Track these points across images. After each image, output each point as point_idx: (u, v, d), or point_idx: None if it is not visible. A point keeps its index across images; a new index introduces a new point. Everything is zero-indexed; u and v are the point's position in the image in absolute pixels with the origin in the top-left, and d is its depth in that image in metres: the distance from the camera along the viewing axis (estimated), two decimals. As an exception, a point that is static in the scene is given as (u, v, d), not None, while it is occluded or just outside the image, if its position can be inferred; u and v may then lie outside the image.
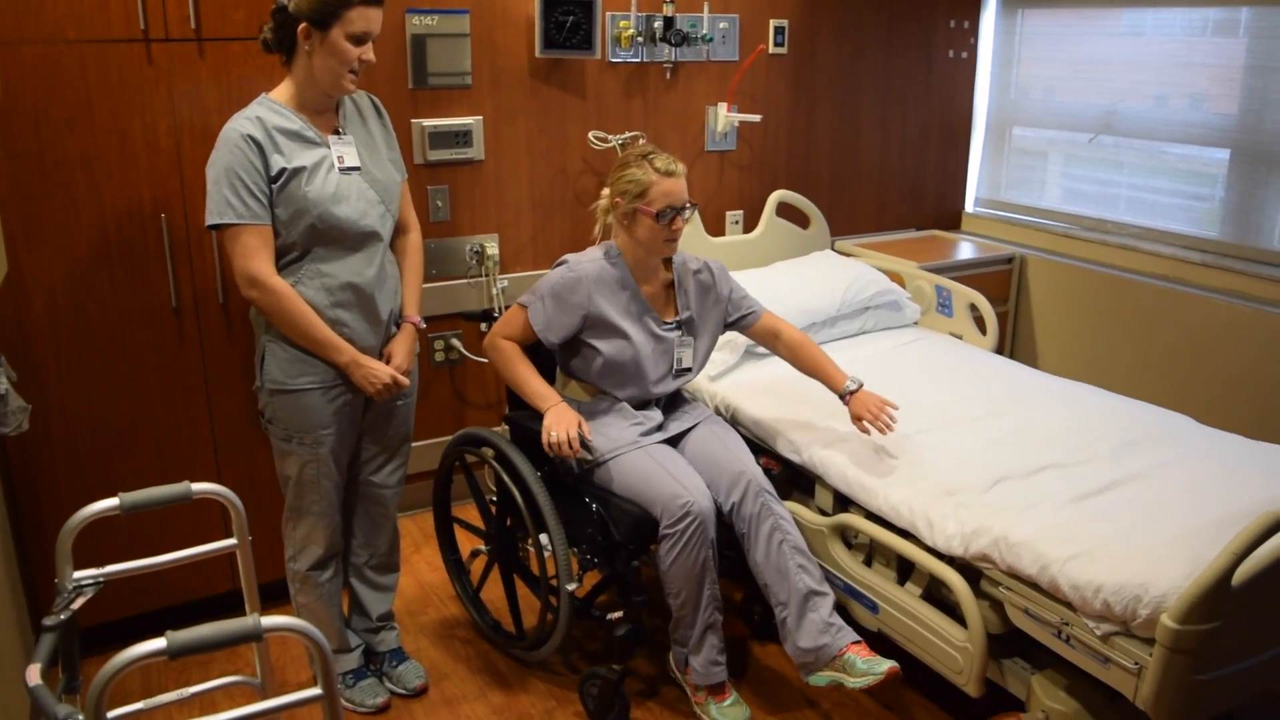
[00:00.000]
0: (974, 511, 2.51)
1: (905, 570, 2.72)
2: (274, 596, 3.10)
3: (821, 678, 2.59)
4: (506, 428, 3.00)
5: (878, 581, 2.72)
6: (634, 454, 2.74)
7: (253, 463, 3.10)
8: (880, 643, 2.77)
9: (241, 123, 2.40)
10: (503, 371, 2.85)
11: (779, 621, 2.67)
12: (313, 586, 2.75)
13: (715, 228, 4.22)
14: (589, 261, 2.80)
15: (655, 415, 2.88)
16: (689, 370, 2.92)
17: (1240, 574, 1.99)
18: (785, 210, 4.25)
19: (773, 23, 4.14)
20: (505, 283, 3.77)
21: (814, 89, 4.34)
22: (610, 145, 3.86)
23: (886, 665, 2.48)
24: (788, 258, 4.15)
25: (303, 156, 2.45)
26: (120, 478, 2.87)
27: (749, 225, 4.28)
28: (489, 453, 2.93)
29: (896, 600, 2.66)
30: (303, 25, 2.37)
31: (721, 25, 4.00)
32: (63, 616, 1.83)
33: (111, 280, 2.80)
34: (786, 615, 2.65)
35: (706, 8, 3.95)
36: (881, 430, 2.74)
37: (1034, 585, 2.33)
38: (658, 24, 3.84)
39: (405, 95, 3.47)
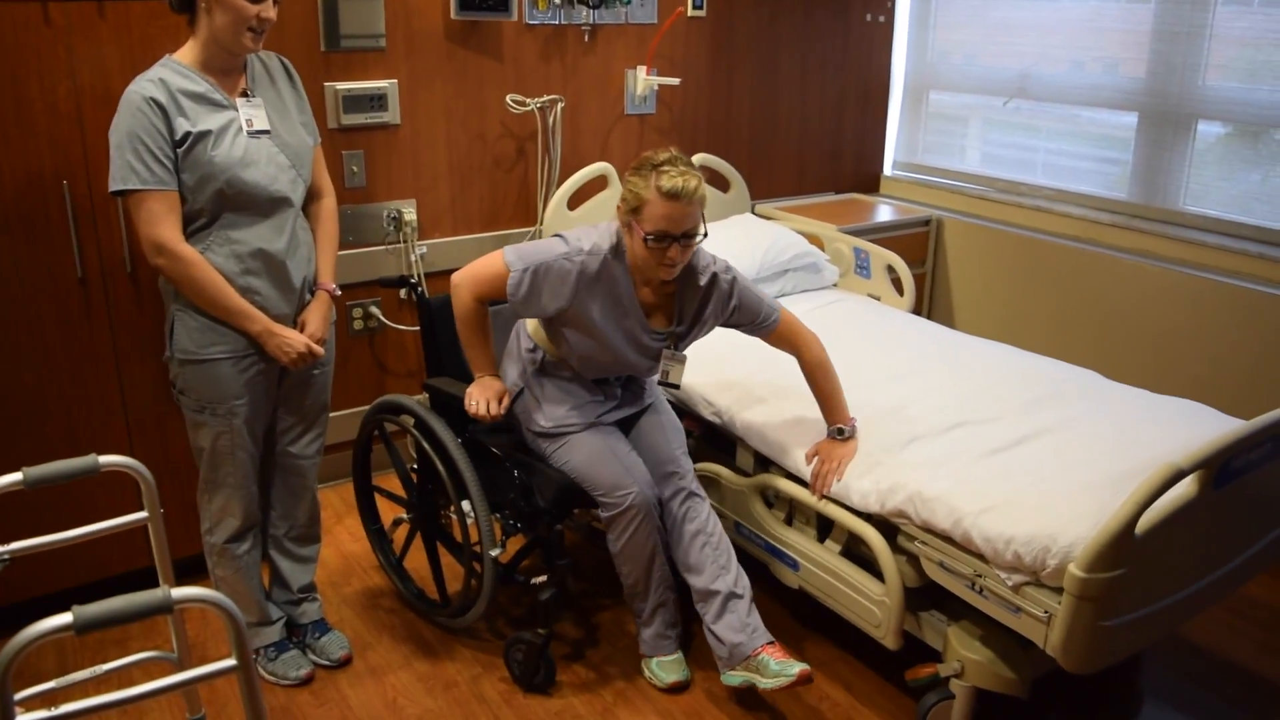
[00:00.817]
0: (889, 469, 2.56)
1: (825, 528, 2.76)
2: (191, 571, 3.05)
3: (735, 677, 2.62)
4: (426, 395, 2.98)
5: (798, 540, 2.76)
6: (584, 435, 2.71)
7: (166, 435, 3.04)
8: (801, 600, 2.82)
9: (143, 85, 2.33)
10: (459, 323, 2.69)
11: (700, 614, 2.71)
12: (230, 559, 2.71)
13: (636, 192, 4.20)
14: (590, 254, 2.56)
15: (614, 393, 2.84)
16: (676, 386, 2.76)
17: (1143, 523, 2.05)
18: (705, 174, 4.22)
19: (691, -15, 4.13)
20: (424, 249, 3.73)
21: (733, 52, 4.34)
22: (529, 109, 3.82)
23: (798, 668, 2.50)
24: (708, 221, 4.12)
25: (209, 119, 2.39)
26: (28, 453, 2.79)
27: (670, 189, 4.27)
28: (409, 421, 2.90)
29: (816, 557, 2.70)
30: None
31: (639, -13, 3.98)
32: (-34, 595, 1.78)
33: (12, 251, 2.71)
34: (706, 612, 2.69)
35: (624, -30, 3.92)
36: (818, 486, 2.66)
37: (948, 539, 2.38)
38: (575, -14, 3.81)
39: (318, 58, 3.39)
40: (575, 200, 3.90)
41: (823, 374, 2.74)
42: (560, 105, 3.89)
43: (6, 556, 1.88)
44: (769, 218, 4.37)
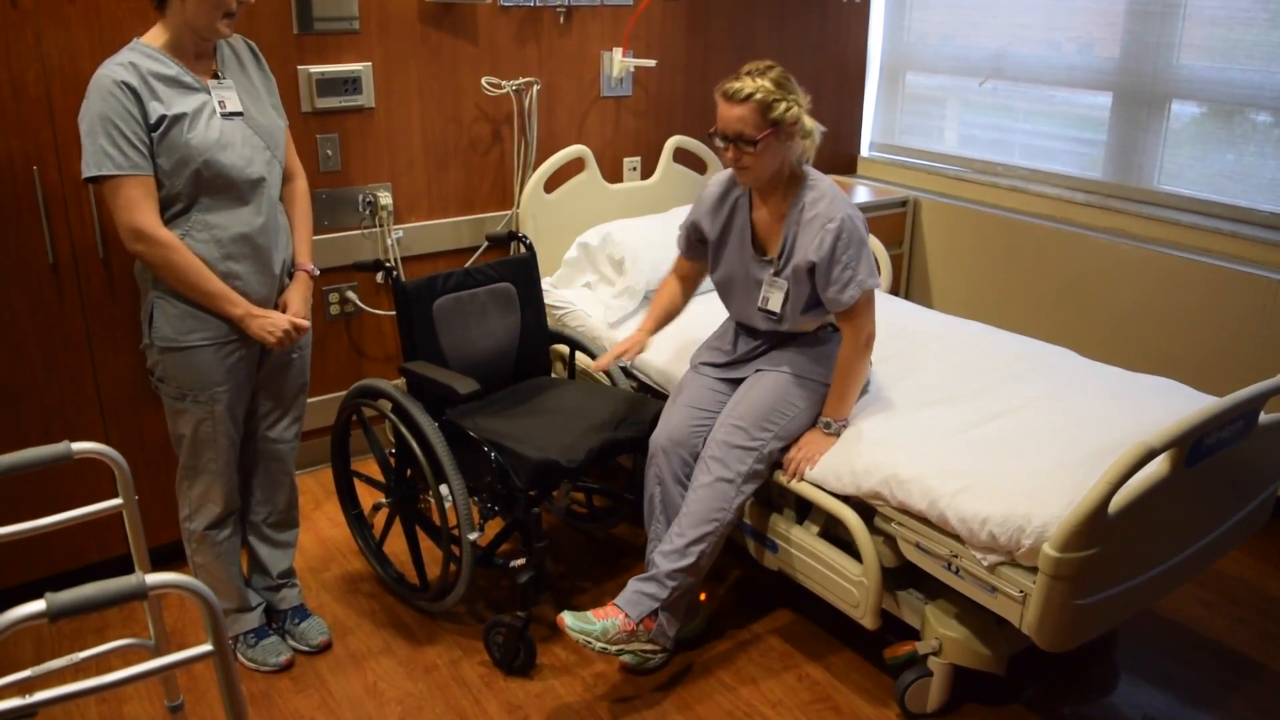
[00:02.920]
0: (864, 450, 2.57)
1: (803, 510, 2.78)
2: (168, 559, 3.04)
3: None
4: (403, 379, 2.97)
5: (776, 521, 2.78)
6: (686, 374, 2.93)
7: (140, 422, 3.02)
8: (780, 581, 2.84)
9: (114, 69, 2.29)
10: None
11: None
12: (210, 546, 2.70)
13: (613, 174, 4.20)
14: (724, 177, 2.81)
15: (740, 349, 2.87)
16: (775, 315, 2.75)
17: (1116, 502, 2.07)
18: (682, 156, 4.25)
19: (667, -34, 4.11)
20: (400, 233, 3.71)
21: (709, 34, 4.32)
22: (504, 91, 3.80)
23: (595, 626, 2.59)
24: (686, 204, 4.13)
25: (182, 103, 2.35)
26: (1, 441, 2.77)
27: (646, 172, 4.27)
28: (386, 405, 2.90)
29: (795, 539, 2.72)
30: None
31: (615, -31, 3.96)
32: (-61, 585, 1.77)
33: (-17, 236, 2.69)
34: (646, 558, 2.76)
35: (599, -49, 3.90)
36: (789, 470, 2.68)
37: (924, 520, 2.40)
38: (550, -33, 3.79)
39: (290, 41, 3.36)
40: (552, 183, 3.88)
41: (842, 369, 2.69)
42: (536, 88, 3.87)
43: (-21, 545, 1.87)
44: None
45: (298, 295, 2.64)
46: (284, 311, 2.60)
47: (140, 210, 2.33)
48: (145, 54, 2.35)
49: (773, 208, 2.73)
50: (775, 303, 2.73)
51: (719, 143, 2.60)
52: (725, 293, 2.87)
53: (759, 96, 2.52)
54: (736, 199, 2.77)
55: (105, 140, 2.28)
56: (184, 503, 2.70)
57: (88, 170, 2.31)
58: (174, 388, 2.53)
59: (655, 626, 2.66)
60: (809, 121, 2.65)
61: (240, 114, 2.46)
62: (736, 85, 2.53)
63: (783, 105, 2.54)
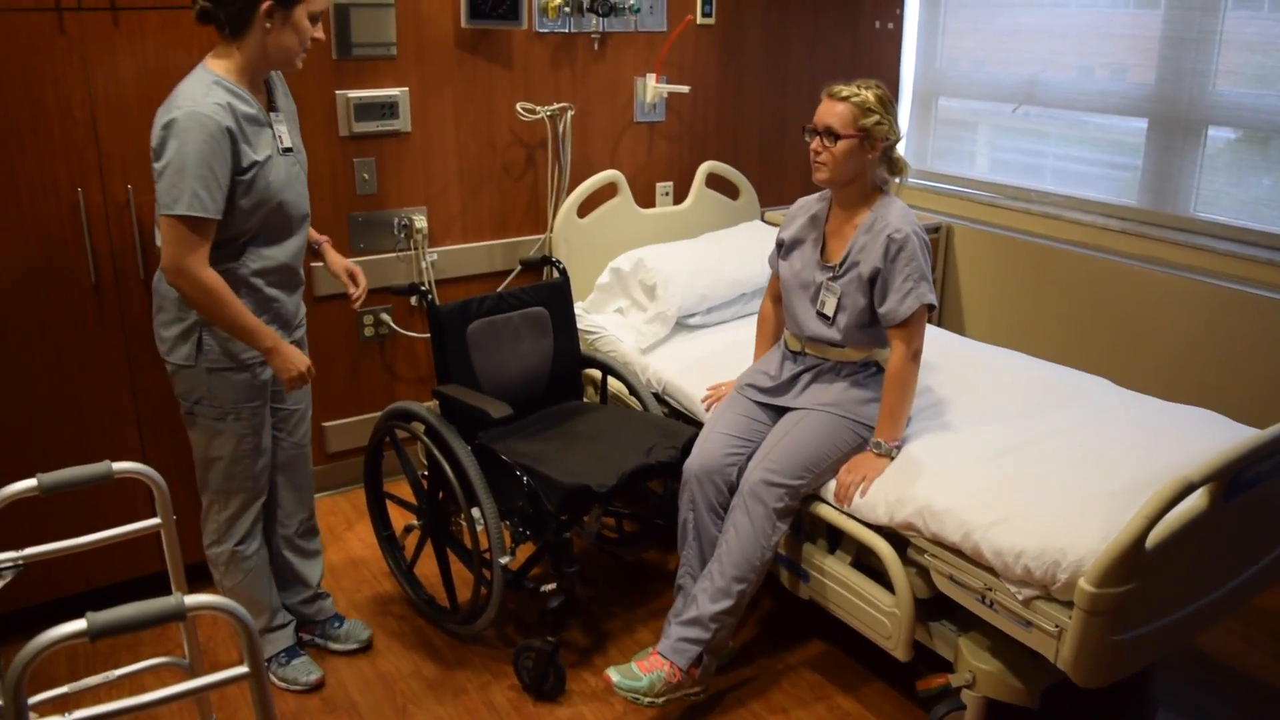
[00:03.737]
0: (898, 480, 2.55)
1: (835, 539, 2.76)
2: (203, 577, 3.05)
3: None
4: (436, 402, 2.99)
5: (808, 551, 2.76)
6: (729, 397, 2.95)
7: (177, 441, 3.03)
8: (812, 611, 2.82)
9: (215, 110, 2.28)
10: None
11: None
12: (239, 564, 2.72)
13: (645, 199, 4.21)
14: (814, 196, 2.94)
15: (784, 373, 2.86)
16: (829, 319, 2.77)
17: (1153, 537, 2.04)
18: (715, 181, 4.26)
19: (701, -7, 4.14)
20: (434, 256, 3.74)
21: (742, 59, 4.34)
22: (539, 116, 3.83)
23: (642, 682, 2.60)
24: (718, 228, 4.16)
25: (262, 144, 2.40)
26: (41, 458, 2.80)
27: (679, 196, 4.29)
28: (419, 427, 2.91)
29: (827, 569, 2.70)
30: (266, 3, 2.29)
31: (650, -5, 3.99)
32: (-19, 601, 1.79)
33: (27, 257, 2.72)
34: (681, 600, 2.75)
35: (635, -23, 3.93)
36: (838, 495, 2.65)
37: (958, 552, 2.38)
38: (585, -6, 3.82)
39: (329, 66, 3.41)
40: (585, 208, 3.90)
41: (892, 386, 2.68)
42: (570, 113, 3.90)
43: (21, 562, 1.89)
44: (778, 224, 4.36)
45: (340, 260, 2.81)
46: (351, 276, 2.78)
47: (195, 253, 2.31)
48: (229, 90, 2.34)
49: (847, 219, 2.80)
50: (830, 306, 2.77)
51: (807, 136, 2.75)
52: (786, 296, 2.91)
53: (857, 100, 2.67)
54: (819, 212, 2.88)
55: (198, 182, 2.25)
56: (211, 529, 2.71)
57: (176, 208, 2.26)
58: (216, 408, 2.54)
59: (700, 671, 2.66)
60: (899, 154, 2.76)
61: (291, 149, 2.51)
62: (842, 87, 2.70)
63: (875, 118, 2.67)
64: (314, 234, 2.76)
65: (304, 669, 2.83)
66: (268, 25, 2.32)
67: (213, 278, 2.35)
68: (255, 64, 2.38)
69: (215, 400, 2.54)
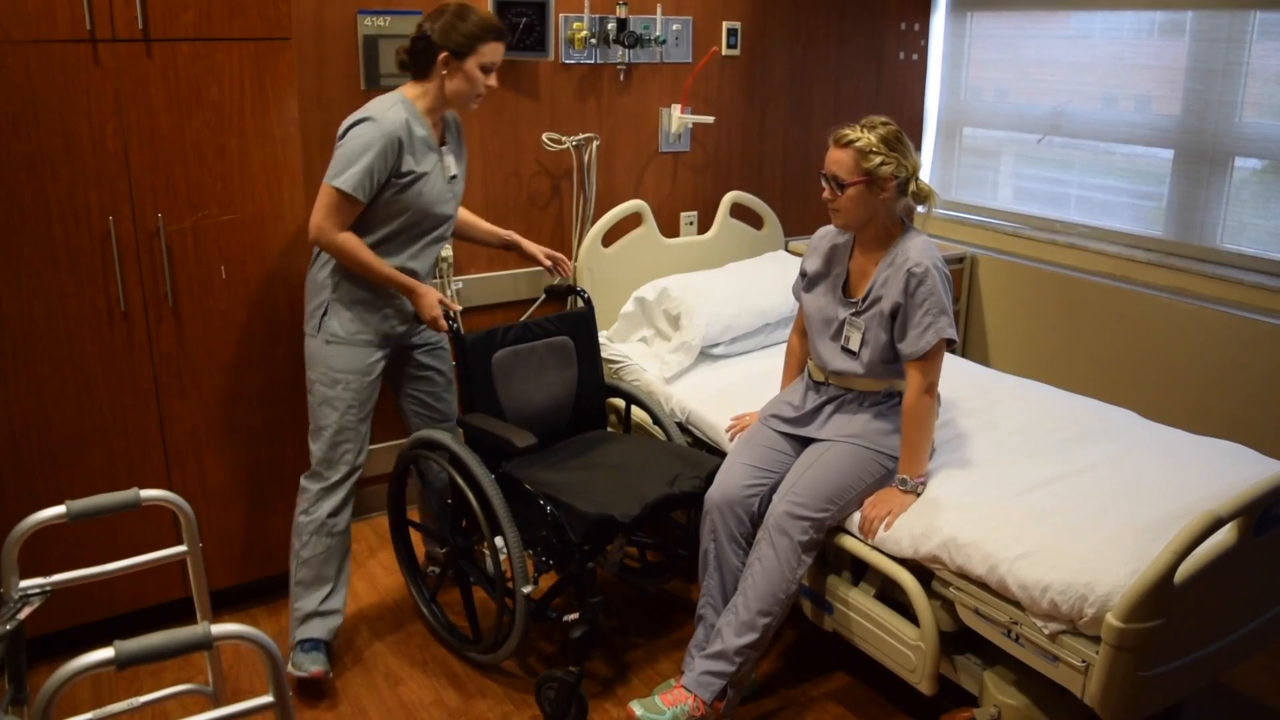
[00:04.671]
0: (923, 512, 2.54)
1: (859, 572, 2.75)
2: (227, 604, 3.07)
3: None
4: (461, 431, 3.00)
5: (832, 583, 2.75)
6: (752, 427, 2.95)
7: (203, 469, 3.07)
8: (836, 643, 2.80)
9: (393, 122, 2.70)
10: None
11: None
12: (324, 535, 2.89)
13: (669, 229, 4.23)
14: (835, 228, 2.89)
15: (808, 404, 2.86)
16: (854, 354, 2.76)
17: (1181, 572, 2.03)
18: (739, 211, 4.27)
19: (725, 25, 4.16)
20: (460, 284, 3.76)
21: (766, 91, 4.36)
22: (564, 147, 3.85)
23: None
24: (742, 259, 4.17)
25: (425, 162, 2.78)
26: (68, 485, 2.83)
27: (703, 226, 4.30)
28: (444, 456, 2.92)
29: (852, 602, 2.68)
30: (443, 54, 2.71)
31: (675, 27, 4.01)
32: (9, 627, 1.80)
33: (58, 284, 2.76)
34: (702, 630, 2.76)
35: (660, 10, 3.95)
36: (863, 529, 2.64)
37: (983, 585, 2.36)
38: (611, 26, 3.85)
39: (358, 96, 3.44)
40: (610, 237, 3.92)
41: (909, 421, 2.66)
42: (595, 143, 3.92)
43: (49, 589, 1.91)
44: (802, 254, 4.37)
45: (536, 246, 3.28)
46: (548, 258, 3.26)
47: (335, 219, 2.71)
48: (413, 114, 2.76)
49: (869, 256, 2.78)
50: (855, 341, 2.76)
51: (822, 182, 2.73)
52: (810, 330, 2.91)
53: (859, 145, 2.63)
54: (841, 245, 2.87)
55: (364, 170, 2.67)
56: (306, 496, 2.92)
57: (336, 180, 2.67)
58: (328, 375, 2.86)
59: (725, 705, 2.64)
60: (920, 185, 2.69)
61: (455, 177, 2.93)
62: (845, 132, 2.66)
63: (878, 159, 2.62)
64: (501, 231, 3.27)
65: (313, 660, 2.86)
66: (444, 72, 2.75)
67: (348, 237, 2.74)
68: (434, 101, 2.80)
69: (329, 366, 2.84)
